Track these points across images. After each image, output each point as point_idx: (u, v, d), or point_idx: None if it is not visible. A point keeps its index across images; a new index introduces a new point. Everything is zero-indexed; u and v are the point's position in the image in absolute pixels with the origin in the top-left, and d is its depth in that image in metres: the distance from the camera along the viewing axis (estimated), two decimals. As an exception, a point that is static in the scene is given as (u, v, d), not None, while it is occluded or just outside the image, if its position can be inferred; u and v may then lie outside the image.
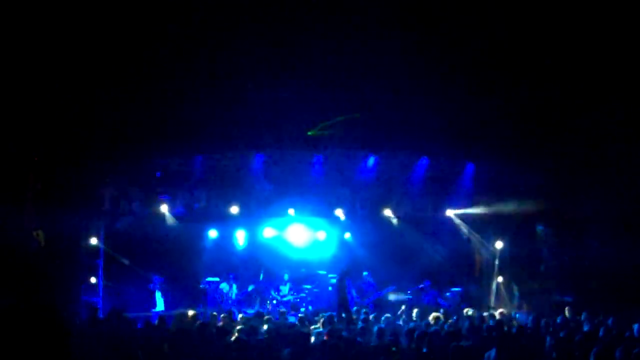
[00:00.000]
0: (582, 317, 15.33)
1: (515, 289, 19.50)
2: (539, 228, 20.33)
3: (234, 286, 21.75)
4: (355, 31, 13.60)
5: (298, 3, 13.03)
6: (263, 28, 13.53)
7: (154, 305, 20.18)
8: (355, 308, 18.21)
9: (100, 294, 19.30)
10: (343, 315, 16.45)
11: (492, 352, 9.46)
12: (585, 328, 13.56)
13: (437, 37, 13.84)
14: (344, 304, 16.63)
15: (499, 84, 15.46)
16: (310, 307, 20.74)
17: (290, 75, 15.33)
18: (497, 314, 17.12)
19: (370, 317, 15.49)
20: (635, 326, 13.03)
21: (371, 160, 20.27)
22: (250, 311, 19.03)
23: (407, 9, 12.83)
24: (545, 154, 18.93)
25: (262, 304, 21.25)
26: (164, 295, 20.48)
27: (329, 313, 15.78)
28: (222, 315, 15.11)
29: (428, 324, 14.33)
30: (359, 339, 11.47)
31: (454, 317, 15.86)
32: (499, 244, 20.49)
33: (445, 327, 13.52)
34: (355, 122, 17.46)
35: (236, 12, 13.19)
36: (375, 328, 12.76)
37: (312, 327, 13.75)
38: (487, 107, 16.38)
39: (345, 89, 16.33)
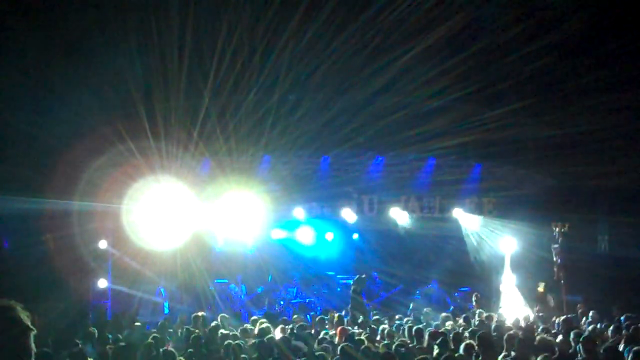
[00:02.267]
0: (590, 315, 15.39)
1: (525, 289, 19.47)
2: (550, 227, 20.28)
3: (243, 287, 21.80)
4: (365, 36, 13.63)
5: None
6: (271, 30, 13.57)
7: (163, 309, 20.24)
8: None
9: (109, 297, 19.34)
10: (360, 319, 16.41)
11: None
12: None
13: (443, 41, 13.87)
14: (360, 308, 16.61)
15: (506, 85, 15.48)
16: (319, 308, 20.76)
17: (300, 79, 15.39)
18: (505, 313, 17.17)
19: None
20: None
21: (379, 161, 20.31)
22: (259, 312, 19.08)
23: (414, 16, 12.89)
24: (554, 155, 18.95)
25: (271, 305, 21.27)
26: (171, 301, 20.53)
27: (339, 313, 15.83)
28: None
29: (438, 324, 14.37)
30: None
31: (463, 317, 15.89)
32: (508, 244, 20.46)
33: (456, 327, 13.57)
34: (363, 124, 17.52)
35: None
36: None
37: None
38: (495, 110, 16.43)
39: (352, 91, 16.38)
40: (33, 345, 3.07)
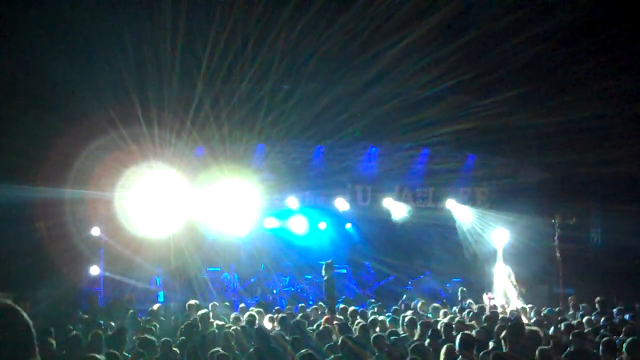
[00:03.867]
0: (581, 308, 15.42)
1: (516, 280, 19.51)
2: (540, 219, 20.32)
3: (236, 276, 21.80)
4: (359, 25, 13.59)
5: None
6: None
7: (156, 297, 20.25)
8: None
9: (102, 285, 19.33)
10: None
11: None
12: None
13: (436, 30, 13.83)
14: (330, 296, 16.59)
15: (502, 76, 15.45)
16: (311, 297, 20.81)
17: (293, 68, 15.36)
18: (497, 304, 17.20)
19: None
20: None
21: (373, 151, 20.33)
22: (252, 301, 19.12)
23: (408, 4, 12.86)
24: (547, 144, 18.97)
25: (264, 294, 21.29)
26: (164, 288, 20.54)
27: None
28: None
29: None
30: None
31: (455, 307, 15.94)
32: (500, 235, 20.49)
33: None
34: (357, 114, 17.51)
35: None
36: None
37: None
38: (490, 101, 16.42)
39: (345, 81, 16.35)
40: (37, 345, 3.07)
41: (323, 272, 16.54)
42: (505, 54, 14.56)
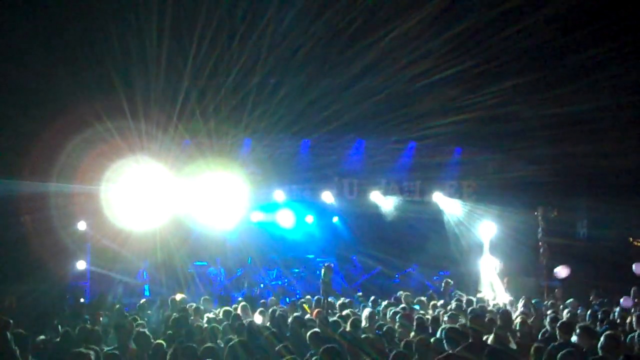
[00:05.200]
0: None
1: (503, 273, 19.61)
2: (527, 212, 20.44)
3: (222, 270, 21.76)
4: (346, 18, 13.59)
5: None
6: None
7: (142, 291, 20.20)
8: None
9: (88, 279, 19.25)
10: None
11: None
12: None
13: (424, 22, 13.82)
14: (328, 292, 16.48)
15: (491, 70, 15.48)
16: (298, 291, 20.81)
17: (281, 63, 15.34)
18: (483, 297, 17.27)
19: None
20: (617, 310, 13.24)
21: (359, 145, 20.34)
22: (239, 295, 19.09)
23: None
24: (535, 141, 19.03)
25: (250, 288, 21.26)
26: (150, 282, 20.51)
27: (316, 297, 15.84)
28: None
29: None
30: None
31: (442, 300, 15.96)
32: (487, 228, 20.58)
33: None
34: (343, 107, 17.49)
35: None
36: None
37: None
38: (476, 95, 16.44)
39: (332, 74, 16.34)
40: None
41: (322, 275, 16.33)
42: (493, 48, 14.57)
